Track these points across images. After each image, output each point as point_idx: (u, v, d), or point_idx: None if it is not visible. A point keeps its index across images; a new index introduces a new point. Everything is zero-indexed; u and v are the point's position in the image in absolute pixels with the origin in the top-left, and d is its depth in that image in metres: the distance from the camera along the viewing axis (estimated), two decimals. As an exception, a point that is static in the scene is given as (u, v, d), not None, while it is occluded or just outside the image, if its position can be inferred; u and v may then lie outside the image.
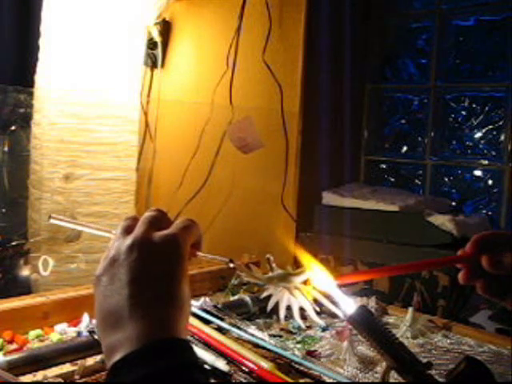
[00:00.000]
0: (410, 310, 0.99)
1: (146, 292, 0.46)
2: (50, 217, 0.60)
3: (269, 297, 0.55)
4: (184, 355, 0.45)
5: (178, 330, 0.46)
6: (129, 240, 0.49)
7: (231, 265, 0.56)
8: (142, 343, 0.43)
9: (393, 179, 1.86)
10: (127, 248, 0.48)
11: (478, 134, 1.67)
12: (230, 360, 0.78)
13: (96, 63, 1.50)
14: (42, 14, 1.47)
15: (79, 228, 0.62)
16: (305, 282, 0.53)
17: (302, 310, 0.54)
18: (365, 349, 0.87)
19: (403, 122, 1.84)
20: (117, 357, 0.44)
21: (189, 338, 0.82)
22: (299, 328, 0.96)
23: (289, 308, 0.55)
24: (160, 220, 0.52)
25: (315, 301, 0.53)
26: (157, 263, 0.48)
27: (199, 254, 0.54)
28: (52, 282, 1.41)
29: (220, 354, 0.80)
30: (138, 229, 0.50)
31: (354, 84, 1.75)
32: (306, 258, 0.54)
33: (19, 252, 1.52)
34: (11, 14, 1.67)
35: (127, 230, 0.51)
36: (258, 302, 1.02)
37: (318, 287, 0.53)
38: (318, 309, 0.54)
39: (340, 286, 0.53)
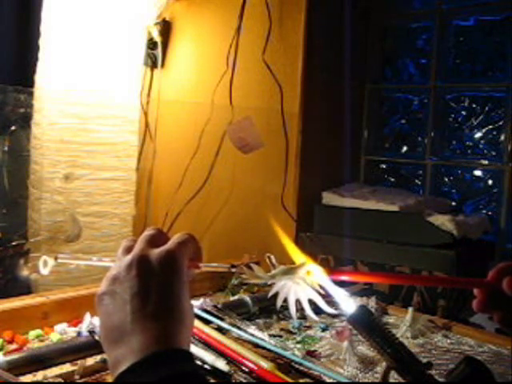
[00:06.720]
0: (410, 310, 0.99)
1: (146, 306, 0.48)
2: (56, 258, 0.64)
3: (275, 295, 0.56)
4: (183, 365, 0.46)
5: (179, 341, 0.48)
6: (128, 258, 0.51)
7: (233, 270, 0.57)
8: (143, 355, 0.45)
9: (393, 179, 1.86)
10: (126, 266, 0.51)
11: (478, 134, 1.67)
12: (230, 360, 0.78)
13: (96, 63, 1.51)
14: (42, 14, 1.47)
15: (85, 263, 0.64)
16: (308, 273, 0.53)
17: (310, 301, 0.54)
18: (365, 349, 0.87)
19: (403, 122, 1.84)
20: (121, 369, 0.46)
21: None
22: (299, 328, 0.96)
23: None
24: (157, 238, 0.54)
25: (321, 287, 0.53)
26: (155, 278, 0.50)
27: (201, 265, 0.56)
28: (52, 281, 1.41)
29: (220, 354, 0.80)
30: (136, 247, 0.53)
31: (353, 84, 1.75)
32: (299, 257, 0.54)
33: (19, 252, 1.52)
34: (11, 13, 1.67)
35: (127, 250, 0.53)
36: (258, 301, 1.02)
37: (319, 278, 0.53)
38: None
39: (339, 282, 0.53)
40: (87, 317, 0.89)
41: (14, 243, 1.54)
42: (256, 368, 0.76)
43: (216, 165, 1.66)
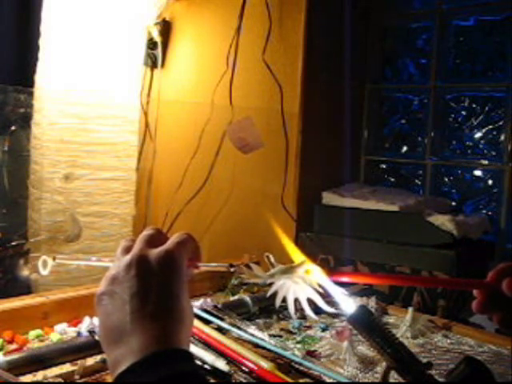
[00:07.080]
0: (410, 310, 0.99)
1: (146, 306, 0.48)
2: (54, 258, 0.65)
3: (274, 295, 0.56)
4: (183, 365, 0.46)
5: (179, 341, 0.48)
6: (127, 258, 0.51)
7: (232, 269, 0.57)
8: (143, 355, 0.45)
9: (393, 179, 1.85)
10: (125, 266, 0.51)
11: (478, 134, 1.67)
12: (230, 360, 0.78)
13: (96, 63, 1.51)
14: (42, 14, 1.47)
15: (84, 263, 0.65)
16: (307, 272, 0.53)
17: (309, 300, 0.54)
18: (365, 349, 0.87)
19: (403, 122, 1.84)
20: (121, 369, 0.46)
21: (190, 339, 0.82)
22: (299, 328, 0.96)
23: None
24: (156, 238, 0.54)
25: (320, 286, 0.53)
26: (154, 278, 0.50)
27: (200, 265, 0.56)
28: (52, 281, 1.41)
29: (220, 354, 0.80)
30: (135, 247, 0.53)
31: (353, 84, 1.75)
32: (299, 257, 0.54)
33: (19, 252, 1.52)
34: (11, 13, 1.67)
35: (126, 250, 0.53)
36: (258, 301, 1.02)
37: (318, 278, 0.53)
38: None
39: (339, 283, 0.53)
40: (86, 319, 0.89)
41: (14, 243, 1.54)
42: (256, 368, 0.76)
43: (216, 165, 1.66)
